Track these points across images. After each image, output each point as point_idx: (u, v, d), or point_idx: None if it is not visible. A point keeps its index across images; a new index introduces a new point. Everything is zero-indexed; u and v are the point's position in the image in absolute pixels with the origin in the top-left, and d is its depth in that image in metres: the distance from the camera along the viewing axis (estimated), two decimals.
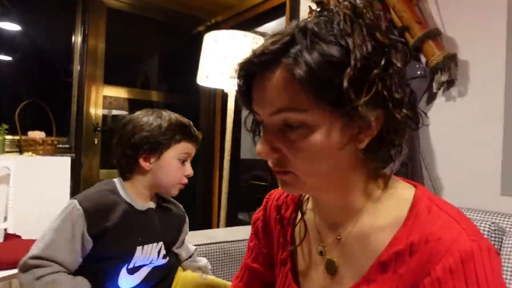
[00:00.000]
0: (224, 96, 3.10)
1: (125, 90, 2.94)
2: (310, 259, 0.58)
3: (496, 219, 1.02)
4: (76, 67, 2.58)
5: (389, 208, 0.51)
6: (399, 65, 0.48)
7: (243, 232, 1.37)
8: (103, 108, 2.74)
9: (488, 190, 1.37)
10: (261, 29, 3.41)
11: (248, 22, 2.97)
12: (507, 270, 0.87)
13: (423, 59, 1.56)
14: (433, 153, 1.55)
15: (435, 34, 1.50)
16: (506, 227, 0.98)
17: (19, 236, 1.91)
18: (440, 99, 1.54)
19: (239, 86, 0.52)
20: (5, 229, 1.94)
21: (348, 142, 0.47)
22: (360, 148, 0.48)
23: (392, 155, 0.51)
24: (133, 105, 3.09)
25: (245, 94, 0.51)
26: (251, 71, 0.49)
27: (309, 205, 0.61)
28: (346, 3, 0.47)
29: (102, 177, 2.70)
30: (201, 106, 3.22)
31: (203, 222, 3.13)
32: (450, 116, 1.50)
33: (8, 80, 2.57)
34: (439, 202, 0.50)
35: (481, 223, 0.95)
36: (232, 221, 2.15)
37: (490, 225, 0.93)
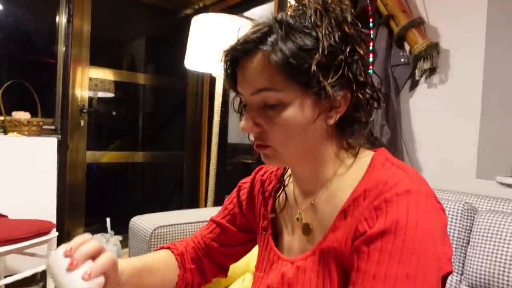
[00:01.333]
0: (212, 80, 3.11)
1: (111, 72, 2.91)
2: (289, 225, 0.65)
3: (470, 199, 1.09)
4: (61, 48, 2.54)
5: (353, 172, 0.57)
6: (361, 52, 0.55)
7: None
8: (89, 90, 2.71)
9: (464, 173, 1.44)
10: (249, 13, 3.40)
11: (236, 6, 2.96)
12: (479, 246, 0.94)
13: (407, 47, 1.60)
14: (414, 137, 1.61)
15: (418, 23, 1.54)
16: (478, 207, 1.05)
17: (5, 216, 1.91)
18: (422, 86, 1.60)
19: (225, 70, 0.59)
20: None
21: (318, 117, 0.54)
22: (330, 124, 0.55)
23: (356, 130, 0.58)
24: (120, 87, 3.06)
25: (230, 77, 0.59)
26: (235, 57, 0.56)
27: (290, 180, 0.68)
28: None
29: (88, 159, 2.69)
30: (189, 90, 3.21)
31: (190, 202, 3.18)
32: (431, 103, 1.56)
33: None
34: (394, 160, 0.56)
35: (455, 203, 1.01)
36: (218, 202, 2.20)
37: (463, 205, 1.00)
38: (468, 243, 0.96)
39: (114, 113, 3.36)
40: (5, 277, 1.92)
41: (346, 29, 0.53)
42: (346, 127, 0.57)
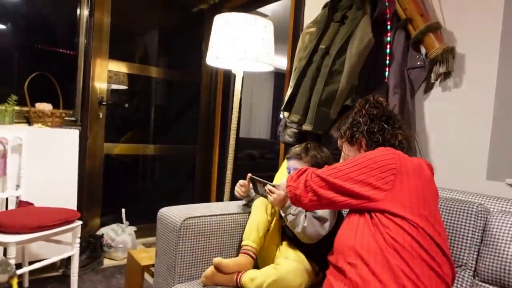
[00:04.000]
0: (227, 75, 3.17)
1: (125, 65, 2.97)
2: None
3: (482, 200, 1.16)
4: (82, 40, 2.59)
5: None
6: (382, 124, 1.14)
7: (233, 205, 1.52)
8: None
9: (476, 175, 1.51)
10: (264, 9, 3.44)
11: (251, 3, 3.00)
12: (491, 245, 1.01)
13: (423, 51, 1.66)
14: (427, 139, 1.68)
15: (436, 28, 1.60)
16: (490, 208, 1.12)
17: (31, 204, 2.00)
18: (436, 89, 1.65)
19: None
20: (18, 197, 2.03)
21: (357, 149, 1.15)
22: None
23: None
24: (133, 80, 3.12)
25: None
26: None
27: None
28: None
29: (106, 151, 2.77)
30: (202, 84, 3.27)
31: (202, 195, 3.25)
32: (445, 105, 1.62)
33: (12, 51, 2.58)
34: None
35: (469, 205, 1.08)
36: (231, 197, 2.27)
37: (477, 206, 1.06)
38: (481, 242, 1.03)
39: (127, 105, 3.43)
40: (30, 263, 2.01)
41: (374, 115, 1.15)
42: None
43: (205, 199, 3.20)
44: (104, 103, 2.68)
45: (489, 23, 1.49)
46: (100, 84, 2.69)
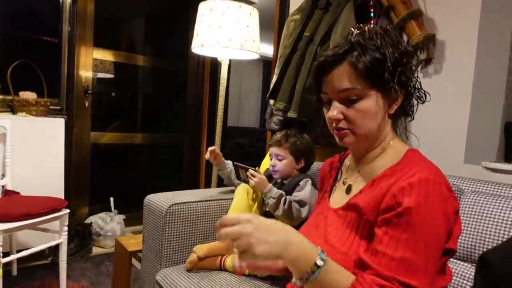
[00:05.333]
0: (213, 63, 3.17)
1: (111, 53, 2.94)
2: (340, 189, 0.88)
3: (458, 182, 1.20)
4: (66, 27, 2.55)
5: (390, 157, 0.79)
6: (413, 65, 0.79)
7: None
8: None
9: (454, 159, 1.56)
10: None
11: None
12: (464, 223, 1.06)
13: (405, 38, 1.69)
14: (409, 124, 1.71)
15: (417, 15, 1.62)
16: (465, 189, 1.16)
17: (17, 193, 1.99)
18: (418, 76, 1.69)
19: (315, 76, 0.80)
20: (3, 186, 2.02)
21: (386, 108, 0.76)
22: (390, 113, 0.78)
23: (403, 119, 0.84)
24: (119, 68, 3.10)
25: (316, 83, 0.81)
26: (324, 67, 0.77)
27: (347, 163, 0.92)
28: (379, 28, 0.78)
29: (92, 140, 2.76)
30: (189, 72, 3.26)
31: (190, 183, 3.27)
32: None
33: None
34: (421, 156, 0.78)
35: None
36: (218, 183, 2.29)
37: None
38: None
39: (113, 93, 3.40)
40: (17, 251, 2.02)
41: (401, 48, 0.76)
42: (397, 117, 0.81)
43: (194, 187, 3.22)
44: (90, 91, 2.66)
45: (468, 11, 1.52)
46: (86, 73, 2.67)
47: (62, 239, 1.91)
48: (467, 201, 1.07)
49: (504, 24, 1.49)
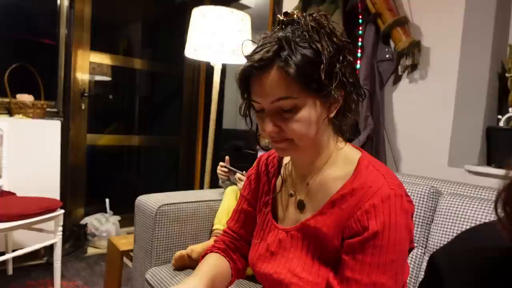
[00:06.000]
0: (209, 68, 3.21)
1: (108, 56, 2.99)
2: (285, 201, 0.80)
3: (438, 184, 1.24)
4: (63, 31, 2.59)
5: (342, 165, 0.73)
6: (350, 58, 0.69)
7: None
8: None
9: (438, 162, 1.60)
10: (246, 1, 3.47)
11: None
12: (440, 224, 1.10)
13: (392, 44, 1.73)
14: (395, 128, 1.76)
15: (403, 22, 1.67)
16: (443, 191, 1.20)
17: (13, 193, 2.03)
18: (404, 81, 1.73)
19: (240, 83, 0.70)
20: (0, 186, 2.06)
21: (326, 112, 0.68)
22: (330, 117, 0.70)
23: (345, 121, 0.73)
24: (116, 71, 3.15)
25: (245, 88, 0.70)
26: (251, 73, 0.67)
27: (286, 161, 0.84)
28: (310, 17, 0.66)
29: (89, 142, 2.80)
30: (185, 76, 3.31)
31: (185, 185, 3.31)
32: (411, 97, 1.70)
33: None
34: (375, 163, 0.72)
35: (423, 187, 1.16)
36: (213, 185, 2.34)
37: (429, 188, 1.15)
38: (432, 222, 1.12)
39: (110, 96, 3.45)
40: (13, 251, 2.06)
41: (336, 40, 0.67)
42: (338, 118, 0.71)
43: (189, 188, 3.26)
44: (86, 94, 2.71)
45: (452, 19, 1.56)
46: (82, 75, 2.71)
47: (57, 239, 1.95)
48: (444, 203, 1.11)
49: (485, 33, 1.54)
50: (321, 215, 0.71)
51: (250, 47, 0.70)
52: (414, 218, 1.09)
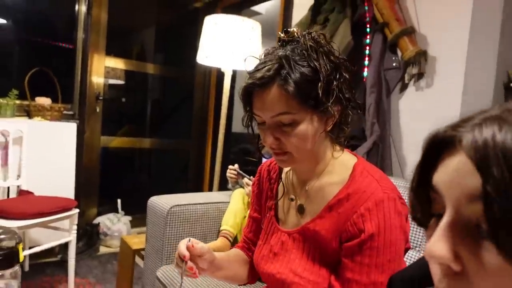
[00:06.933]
0: (219, 73, 3.28)
1: (122, 60, 3.07)
2: (287, 206, 0.86)
3: None
4: (80, 35, 2.68)
5: (339, 171, 0.78)
6: (346, 75, 0.74)
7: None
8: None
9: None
10: (257, 8, 3.53)
11: (244, 1, 3.10)
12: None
13: (399, 53, 1.77)
14: (401, 135, 1.80)
15: (410, 32, 1.71)
16: None
17: (31, 193, 2.12)
18: (410, 89, 1.77)
19: (243, 98, 0.75)
20: (19, 186, 2.15)
21: (323, 126, 0.73)
22: (327, 130, 0.75)
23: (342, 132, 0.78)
24: (129, 75, 3.23)
25: (246, 103, 0.76)
26: (253, 89, 0.72)
27: (286, 169, 0.89)
28: (309, 36, 0.72)
29: (102, 144, 2.89)
30: (196, 81, 3.38)
31: (195, 188, 3.37)
32: (417, 104, 1.74)
33: (12, 46, 2.69)
34: (370, 168, 0.76)
35: None
36: (222, 187, 2.39)
37: None
38: None
39: (123, 99, 3.54)
40: (29, 248, 2.14)
41: (334, 59, 0.72)
42: (335, 130, 0.77)
43: (198, 190, 3.32)
44: (101, 98, 2.79)
45: (458, 29, 1.60)
46: (98, 79, 2.80)
47: (71, 237, 2.03)
48: None
49: (491, 43, 1.57)
50: (319, 219, 0.76)
51: (254, 62, 0.76)
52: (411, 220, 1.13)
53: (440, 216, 0.33)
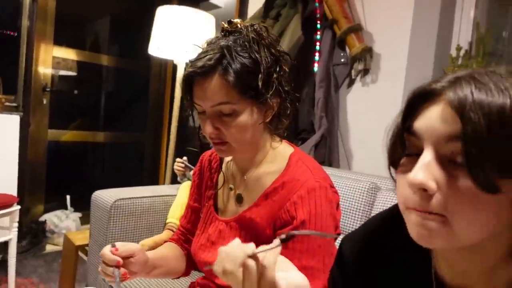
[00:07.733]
0: (175, 66, 3.22)
1: (74, 51, 2.94)
2: (226, 195, 0.87)
3: (379, 180, 1.32)
4: (25, 22, 2.53)
5: (276, 161, 0.80)
6: (286, 69, 0.77)
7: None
8: (52, 68, 2.74)
9: (385, 160, 1.70)
10: (216, 1, 3.51)
11: None
12: None
13: (347, 49, 1.83)
14: (348, 128, 1.86)
15: (357, 29, 1.76)
16: (381, 186, 1.28)
17: None
18: (357, 84, 1.83)
19: (183, 86, 0.75)
20: None
21: (262, 117, 0.75)
22: (267, 121, 0.77)
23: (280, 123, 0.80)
24: (82, 67, 3.10)
25: (187, 91, 0.76)
26: (193, 78, 0.72)
27: (227, 159, 0.90)
28: (251, 28, 0.74)
29: (50, 138, 2.75)
30: (152, 73, 3.30)
31: (150, 182, 3.30)
32: (364, 99, 1.80)
33: None
34: (304, 158, 0.79)
35: (363, 183, 1.25)
36: (175, 180, 2.36)
37: (369, 184, 1.24)
38: (370, 215, 1.21)
39: (76, 92, 3.39)
40: None
41: (274, 52, 0.74)
42: (274, 122, 0.79)
43: (154, 184, 3.24)
44: (48, 89, 2.66)
45: (400, 28, 1.67)
46: (45, 69, 2.66)
47: (11, 235, 1.92)
48: (382, 198, 1.20)
49: (429, 42, 1.66)
50: (255, 207, 0.78)
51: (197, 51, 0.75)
52: (353, 211, 1.18)
53: (412, 155, 0.42)
